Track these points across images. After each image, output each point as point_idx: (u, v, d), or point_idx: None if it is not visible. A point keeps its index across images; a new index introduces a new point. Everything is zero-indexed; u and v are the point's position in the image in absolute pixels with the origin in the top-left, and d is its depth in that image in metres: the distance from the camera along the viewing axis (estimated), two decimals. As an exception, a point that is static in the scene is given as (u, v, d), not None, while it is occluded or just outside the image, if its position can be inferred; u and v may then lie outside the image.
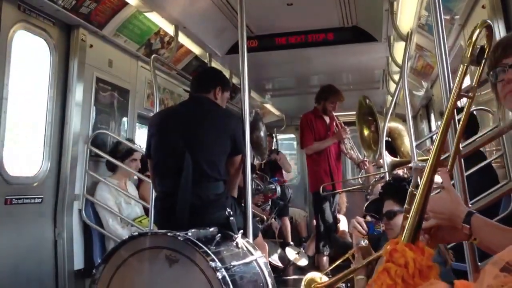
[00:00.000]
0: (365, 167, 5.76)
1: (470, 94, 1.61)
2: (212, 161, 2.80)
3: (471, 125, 2.97)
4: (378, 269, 1.44)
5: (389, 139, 4.94)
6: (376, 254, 2.46)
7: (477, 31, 1.60)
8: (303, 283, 2.58)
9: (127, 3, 3.87)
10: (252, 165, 4.32)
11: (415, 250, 1.39)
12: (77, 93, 3.88)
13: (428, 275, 1.36)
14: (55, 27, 3.73)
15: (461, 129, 1.72)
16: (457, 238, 1.56)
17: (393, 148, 5.15)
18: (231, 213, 2.73)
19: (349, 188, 6.45)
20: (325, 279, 2.57)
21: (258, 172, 6.72)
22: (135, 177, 4.65)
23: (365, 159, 5.71)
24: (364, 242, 2.67)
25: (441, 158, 1.50)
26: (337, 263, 3.21)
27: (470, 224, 1.42)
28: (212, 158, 2.80)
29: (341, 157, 5.68)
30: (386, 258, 1.43)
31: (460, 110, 2.88)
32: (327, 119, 5.46)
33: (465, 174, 2.08)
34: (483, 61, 1.59)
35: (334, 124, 5.51)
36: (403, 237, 1.44)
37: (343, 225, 6.22)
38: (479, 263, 1.82)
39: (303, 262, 6.05)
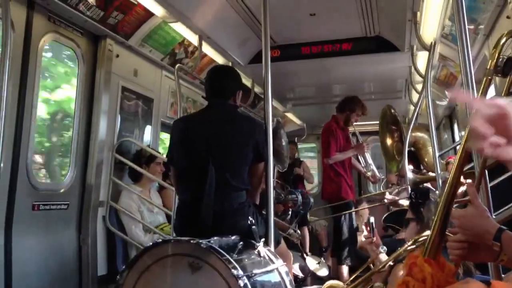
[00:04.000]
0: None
1: None
2: (236, 170, 2.80)
3: None
4: (398, 281, 1.44)
5: (413, 149, 4.89)
6: (392, 256, 2.46)
7: (503, 41, 1.57)
8: None
9: (153, 14, 3.95)
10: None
11: (434, 266, 1.38)
12: (103, 101, 3.96)
13: None
14: (83, 37, 3.83)
15: None
16: (484, 257, 1.49)
17: (416, 158, 5.09)
18: (253, 221, 2.73)
19: (375, 204, 6.38)
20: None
21: (278, 181, 6.72)
22: (157, 184, 4.70)
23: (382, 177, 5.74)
24: (383, 249, 2.67)
25: (464, 169, 1.48)
26: (357, 273, 3.21)
27: (501, 241, 1.36)
28: (236, 166, 2.80)
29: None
30: (405, 272, 1.42)
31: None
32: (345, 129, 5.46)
33: (493, 183, 2.05)
34: None
35: (349, 134, 5.53)
36: (423, 252, 1.42)
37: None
38: (503, 275, 1.79)
39: (324, 272, 6.01)
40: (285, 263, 2.73)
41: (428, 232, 2.25)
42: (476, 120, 1.01)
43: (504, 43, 1.59)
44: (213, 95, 3.02)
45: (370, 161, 5.73)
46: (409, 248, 2.33)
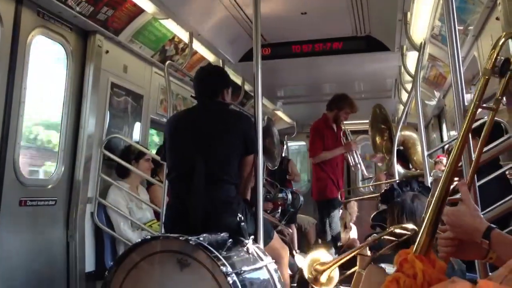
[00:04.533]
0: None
1: (493, 106, 1.60)
2: (224, 164, 2.81)
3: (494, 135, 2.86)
4: (388, 278, 1.45)
5: (401, 148, 4.93)
6: (376, 236, 2.49)
7: (501, 41, 1.58)
8: (306, 261, 2.61)
9: (143, 10, 3.93)
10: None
11: (425, 262, 1.39)
12: (92, 97, 3.93)
13: None
14: (72, 32, 3.79)
15: (483, 142, 1.69)
16: (473, 254, 1.51)
17: (405, 157, 5.13)
18: (242, 218, 2.74)
19: (364, 197, 6.43)
20: (329, 258, 2.61)
21: (267, 179, 6.72)
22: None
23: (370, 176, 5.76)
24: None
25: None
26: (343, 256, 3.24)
27: (490, 239, 1.38)
28: (224, 160, 2.82)
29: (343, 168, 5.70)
30: (396, 267, 1.44)
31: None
32: (335, 128, 5.45)
33: (481, 182, 2.07)
34: (509, 72, 1.57)
35: (341, 133, 5.52)
36: (414, 249, 1.44)
37: (353, 233, 6.20)
38: (490, 273, 1.81)
39: (312, 270, 6.02)
40: (273, 261, 2.75)
41: (415, 226, 2.30)
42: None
43: (503, 44, 1.60)
44: (202, 94, 3.06)
45: (358, 160, 5.75)
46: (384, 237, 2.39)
